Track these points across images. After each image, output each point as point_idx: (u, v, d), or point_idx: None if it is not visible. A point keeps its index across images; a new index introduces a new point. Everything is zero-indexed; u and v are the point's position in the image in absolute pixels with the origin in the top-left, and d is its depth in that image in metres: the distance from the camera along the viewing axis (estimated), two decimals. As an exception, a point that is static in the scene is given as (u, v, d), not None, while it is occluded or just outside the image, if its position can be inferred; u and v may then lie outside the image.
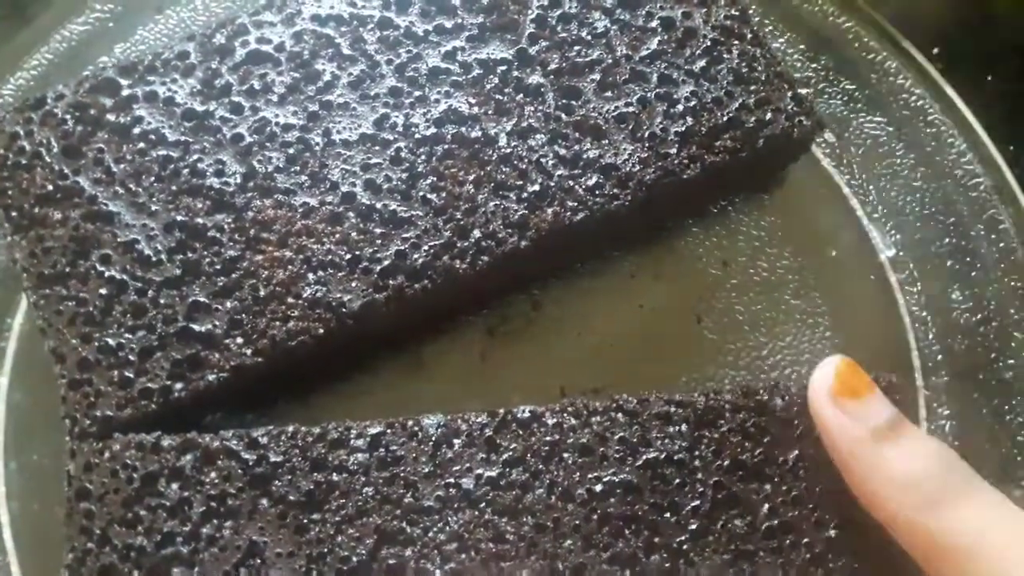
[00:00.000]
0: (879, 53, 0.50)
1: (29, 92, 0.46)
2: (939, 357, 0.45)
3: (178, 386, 0.39)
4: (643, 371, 0.44)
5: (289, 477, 0.35)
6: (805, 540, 0.36)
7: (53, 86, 0.43)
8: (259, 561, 0.35)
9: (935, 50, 0.52)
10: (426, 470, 0.36)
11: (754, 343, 0.45)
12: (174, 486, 0.35)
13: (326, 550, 0.35)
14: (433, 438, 0.36)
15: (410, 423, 0.36)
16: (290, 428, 0.36)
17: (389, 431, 0.36)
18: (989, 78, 0.54)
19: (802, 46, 0.51)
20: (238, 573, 0.34)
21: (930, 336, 0.46)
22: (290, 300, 0.40)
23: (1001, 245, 0.46)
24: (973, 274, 0.46)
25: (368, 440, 0.36)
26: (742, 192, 0.47)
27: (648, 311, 0.45)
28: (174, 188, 0.41)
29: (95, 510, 0.35)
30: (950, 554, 0.31)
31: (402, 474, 0.36)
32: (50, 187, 0.41)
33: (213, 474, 0.36)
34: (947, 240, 0.47)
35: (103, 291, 0.40)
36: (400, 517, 0.35)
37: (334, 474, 0.36)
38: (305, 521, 0.35)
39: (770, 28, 0.51)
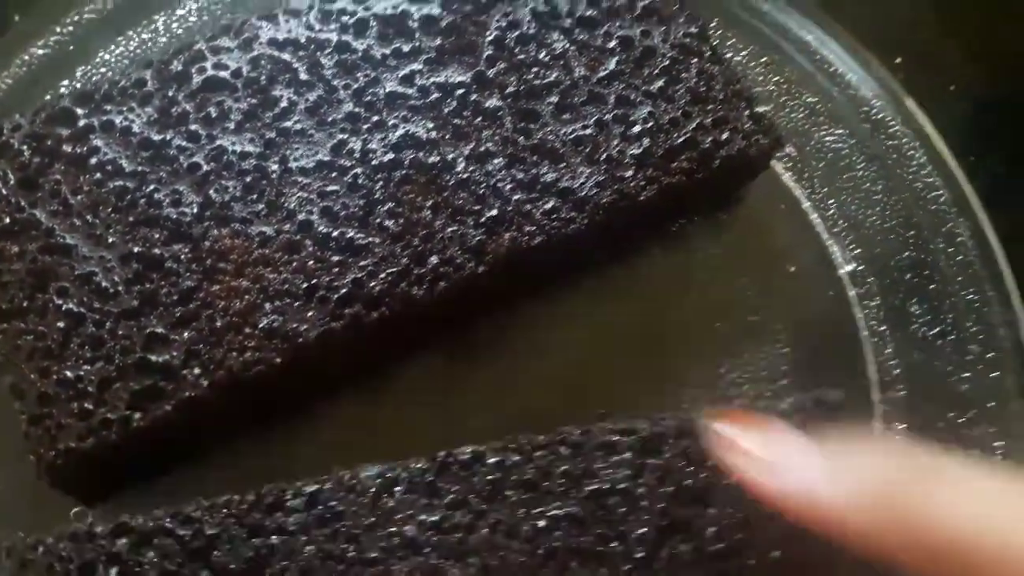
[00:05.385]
0: (841, 65, 0.50)
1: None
2: (896, 371, 0.46)
3: (137, 416, 0.39)
4: (604, 393, 0.44)
5: (228, 546, 0.36)
6: (752, 562, 0.36)
7: (14, 112, 0.43)
8: None
9: (897, 60, 0.52)
10: (368, 522, 0.36)
11: (712, 361, 0.45)
12: (112, 572, 0.36)
13: None
14: (372, 489, 0.36)
15: (347, 477, 0.37)
16: (222, 499, 0.36)
17: (326, 487, 0.37)
18: (952, 88, 0.54)
19: (764, 59, 0.51)
20: None
21: (887, 350, 0.46)
22: (247, 330, 0.40)
23: (959, 258, 0.47)
24: (932, 287, 0.47)
25: (305, 499, 0.36)
26: (701, 212, 0.47)
27: (609, 334, 0.45)
28: (131, 219, 0.41)
29: None
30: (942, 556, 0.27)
31: (343, 529, 0.36)
32: (7, 220, 0.41)
33: (151, 554, 0.36)
34: (907, 253, 0.48)
35: (61, 324, 0.40)
36: (344, 571, 0.35)
37: (273, 537, 0.36)
38: None
39: (732, 42, 0.51)
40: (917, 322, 0.47)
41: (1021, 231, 0.47)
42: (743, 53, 0.51)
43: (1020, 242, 0.47)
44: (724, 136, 0.44)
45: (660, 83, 0.44)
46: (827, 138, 0.50)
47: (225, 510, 0.36)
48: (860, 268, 0.48)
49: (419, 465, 0.37)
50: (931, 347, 0.46)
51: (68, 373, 0.39)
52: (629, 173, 0.43)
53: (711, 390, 0.45)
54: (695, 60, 0.45)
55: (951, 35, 0.55)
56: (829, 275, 0.48)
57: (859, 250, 0.48)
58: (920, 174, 0.48)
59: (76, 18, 0.49)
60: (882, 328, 0.47)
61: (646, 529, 0.36)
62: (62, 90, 0.48)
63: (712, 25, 0.50)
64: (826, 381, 0.43)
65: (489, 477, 0.37)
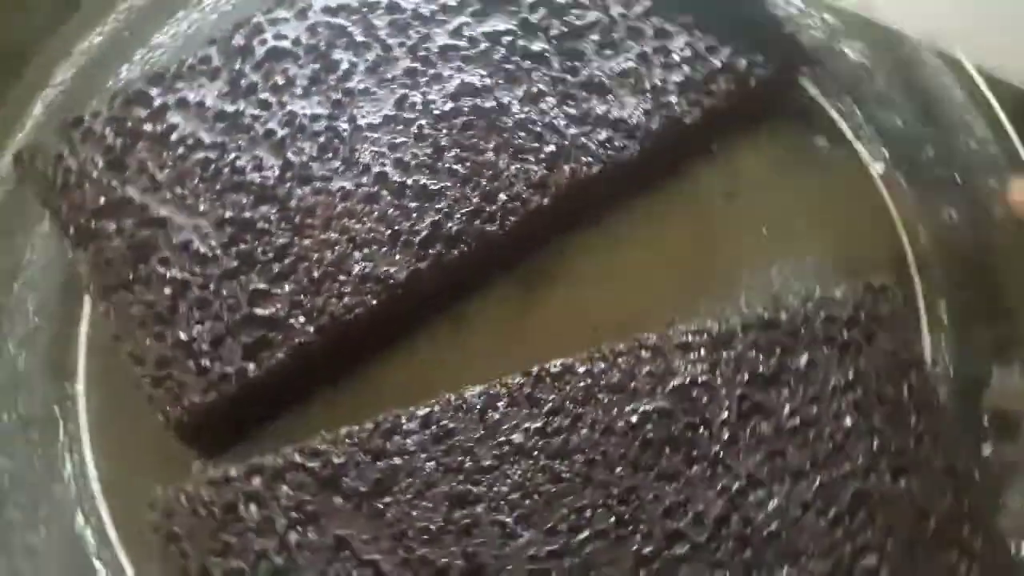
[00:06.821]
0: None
1: (61, 106, 0.48)
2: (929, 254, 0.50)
3: (251, 367, 0.42)
4: (665, 303, 0.47)
5: (355, 472, 0.39)
6: (828, 431, 0.40)
7: (83, 99, 0.46)
8: (349, 551, 0.38)
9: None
10: (478, 435, 0.40)
11: (763, 265, 0.48)
12: (252, 508, 0.39)
13: (405, 526, 0.38)
14: (478, 407, 0.40)
15: (454, 398, 0.40)
16: (343, 430, 0.40)
17: (436, 409, 0.40)
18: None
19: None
20: (334, 568, 0.38)
21: (921, 239, 0.50)
22: (342, 278, 0.43)
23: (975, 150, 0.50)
24: (957, 176, 0.50)
25: (419, 422, 0.40)
26: (742, 129, 0.50)
27: (664, 250, 0.48)
28: (218, 187, 0.44)
29: (188, 549, 0.38)
30: None
31: (457, 443, 0.39)
32: (102, 200, 0.44)
33: (285, 488, 0.39)
34: (931, 151, 0.51)
35: (167, 291, 0.43)
36: (464, 480, 0.39)
37: (396, 458, 0.39)
38: (380, 506, 0.39)
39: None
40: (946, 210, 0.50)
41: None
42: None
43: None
44: (759, 58, 0.47)
45: (694, 15, 0.47)
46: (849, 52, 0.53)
47: (348, 439, 0.40)
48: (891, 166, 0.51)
49: (516, 380, 0.41)
50: (961, 230, 0.49)
51: (182, 335, 0.42)
52: (673, 99, 0.46)
53: (765, 290, 0.48)
54: (724, -11, 0.48)
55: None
56: (862, 176, 0.51)
57: (887, 152, 0.51)
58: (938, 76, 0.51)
59: (127, 4, 0.51)
60: (914, 218, 0.50)
61: (727, 414, 0.40)
62: (123, 74, 0.50)
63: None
64: (869, 270, 0.47)
65: (580, 384, 0.41)
